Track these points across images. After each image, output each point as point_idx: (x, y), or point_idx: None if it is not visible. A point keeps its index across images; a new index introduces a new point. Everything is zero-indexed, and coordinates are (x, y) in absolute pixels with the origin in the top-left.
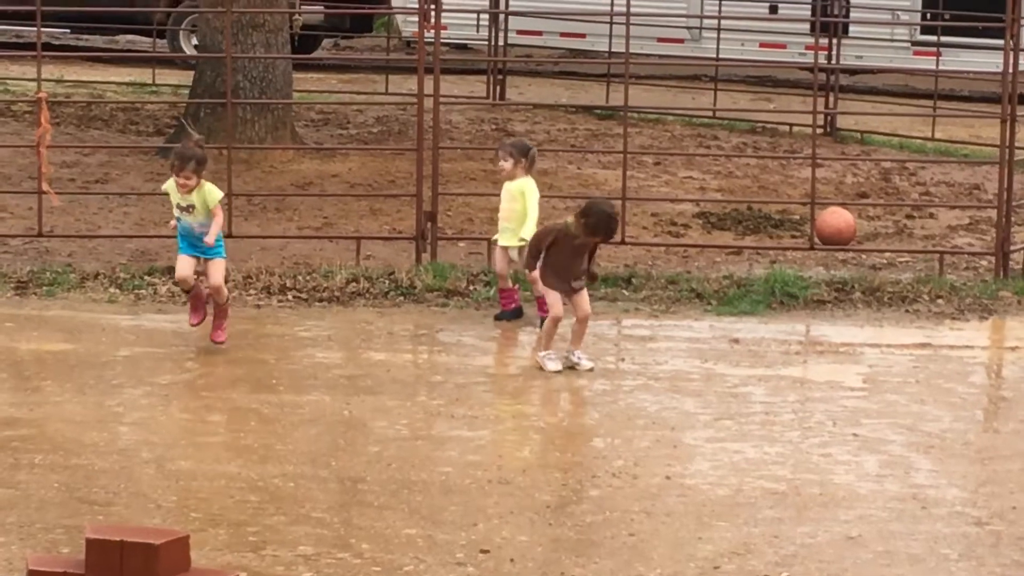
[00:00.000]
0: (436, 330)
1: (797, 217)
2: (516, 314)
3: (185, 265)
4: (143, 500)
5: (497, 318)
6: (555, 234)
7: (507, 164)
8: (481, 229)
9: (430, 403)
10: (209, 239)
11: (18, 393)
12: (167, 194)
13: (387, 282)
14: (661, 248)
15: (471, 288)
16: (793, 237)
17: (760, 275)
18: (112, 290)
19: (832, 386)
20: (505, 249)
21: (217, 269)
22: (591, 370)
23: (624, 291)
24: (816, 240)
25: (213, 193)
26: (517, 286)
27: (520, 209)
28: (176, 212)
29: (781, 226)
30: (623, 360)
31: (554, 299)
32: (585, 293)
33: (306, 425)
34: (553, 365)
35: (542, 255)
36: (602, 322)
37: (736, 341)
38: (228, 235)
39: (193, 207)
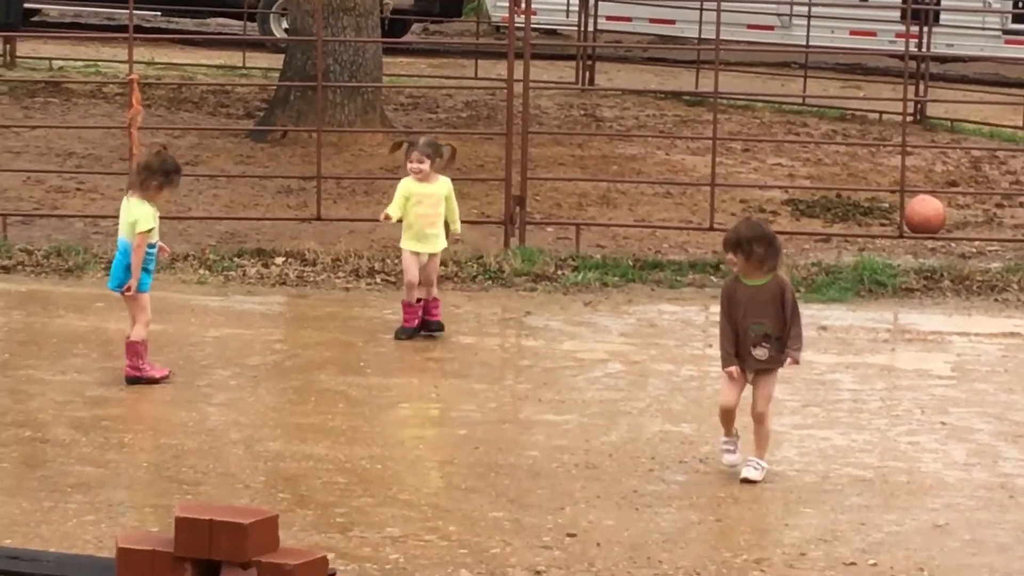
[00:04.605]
0: (524, 314)
1: (886, 205)
2: (418, 330)
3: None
4: (231, 480)
5: (397, 336)
6: (725, 291)
7: (425, 165)
8: (569, 214)
9: (517, 387)
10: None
11: (108, 373)
12: (150, 226)
13: (475, 266)
14: None
15: (559, 273)
16: (882, 225)
17: (849, 263)
18: (202, 271)
19: (920, 374)
20: (419, 256)
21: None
22: (752, 481)
23: (712, 278)
24: (905, 228)
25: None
26: (422, 301)
27: (446, 213)
28: (152, 240)
29: (870, 214)
30: (710, 346)
31: (723, 386)
32: (771, 379)
33: (394, 408)
34: (727, 459)
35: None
36: (690, 308)
37: (824, 328)
38: (317, 217)
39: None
